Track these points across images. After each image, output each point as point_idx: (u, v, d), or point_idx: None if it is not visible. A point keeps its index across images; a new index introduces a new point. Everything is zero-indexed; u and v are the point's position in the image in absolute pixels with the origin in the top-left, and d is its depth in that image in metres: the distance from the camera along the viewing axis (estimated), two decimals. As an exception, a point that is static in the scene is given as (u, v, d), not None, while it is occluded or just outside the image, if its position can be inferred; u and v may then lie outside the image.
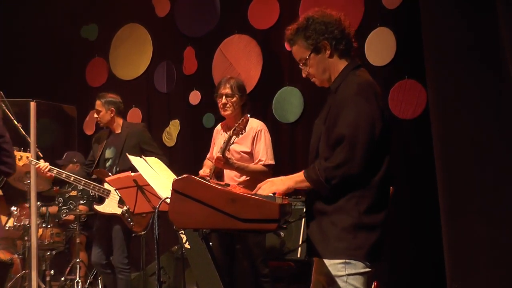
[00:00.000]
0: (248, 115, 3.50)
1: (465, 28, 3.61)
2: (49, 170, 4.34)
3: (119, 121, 4.61)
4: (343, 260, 2.19)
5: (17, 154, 4.36)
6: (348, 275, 2.19)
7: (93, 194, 4.68)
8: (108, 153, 4.55)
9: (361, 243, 2.19)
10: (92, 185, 4.40)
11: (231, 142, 3.52)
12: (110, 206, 4.36)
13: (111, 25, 6.34)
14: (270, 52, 5.27)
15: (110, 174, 4.34)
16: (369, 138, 2.18)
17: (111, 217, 4.41)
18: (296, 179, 2.30)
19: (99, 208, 4.42)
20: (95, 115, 4.62)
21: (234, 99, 3.79)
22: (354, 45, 2.40)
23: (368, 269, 2.21)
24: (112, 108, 4.55)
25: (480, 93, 3.56)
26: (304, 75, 2.44)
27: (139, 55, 6.12)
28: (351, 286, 2.20)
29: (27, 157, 4.38)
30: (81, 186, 4.56)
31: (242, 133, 3.52)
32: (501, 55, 3.41)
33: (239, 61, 5.41)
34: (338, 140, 2.20)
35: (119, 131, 4.58)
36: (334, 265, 2.21)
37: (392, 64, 4.54)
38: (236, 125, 3.46)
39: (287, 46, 5.07)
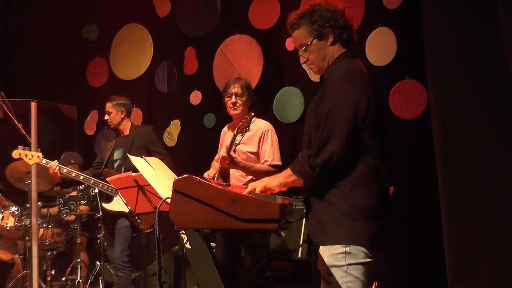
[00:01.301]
0: (252, 113, 3.50)
1: (465, 28, 3.60)
2: (59, 169, 4.38)
3: (128, 123, 4.73)
4: (343, 250, 2.17)
5: (28, 153, 4.37)
6: (348, 264, 2.18)
7: (93, 194, 4.68)
8: (117, 154, 4.64)
9: (359, 229, 2.17)
10: (101, 184, 4.47)
11: (236, 141, 3.50)
12: (118, 204, 4.41)
13: (112, 25, 6.35)
14: (271, 52, 5.27)
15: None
16: (351, 118, 2.16)
17: (117, 215, 4.46)
18: (284, 174, 2.32)
19: (107, 206, 4.50)
20: (106, 117, 4.73)
21: (244, 98, 3.78)
22: (354, 38, 2.41)
23: (368, 259, 2.19)
24: (123, 110, 4.68)
25: (480, 93, 3.55)
26: (302, 62, 2.43)
27: (140, 55, 6.13)
28: (350, 276, 2.18)
29: (38, 157, 4.39)
30: (92, 186, 4.60)
31: (246, 131, 3.49)
32: (501, 55, 3.40)
33: (240, 61, 5.41)
34: (320, 122, 2.20)
35: (127, 133, 4.68)
36: (335, 255, 2.19)
37: (392, 64, 4.54)
38: (240, 123, 3.46)
39: (287, 45, 5.18)
